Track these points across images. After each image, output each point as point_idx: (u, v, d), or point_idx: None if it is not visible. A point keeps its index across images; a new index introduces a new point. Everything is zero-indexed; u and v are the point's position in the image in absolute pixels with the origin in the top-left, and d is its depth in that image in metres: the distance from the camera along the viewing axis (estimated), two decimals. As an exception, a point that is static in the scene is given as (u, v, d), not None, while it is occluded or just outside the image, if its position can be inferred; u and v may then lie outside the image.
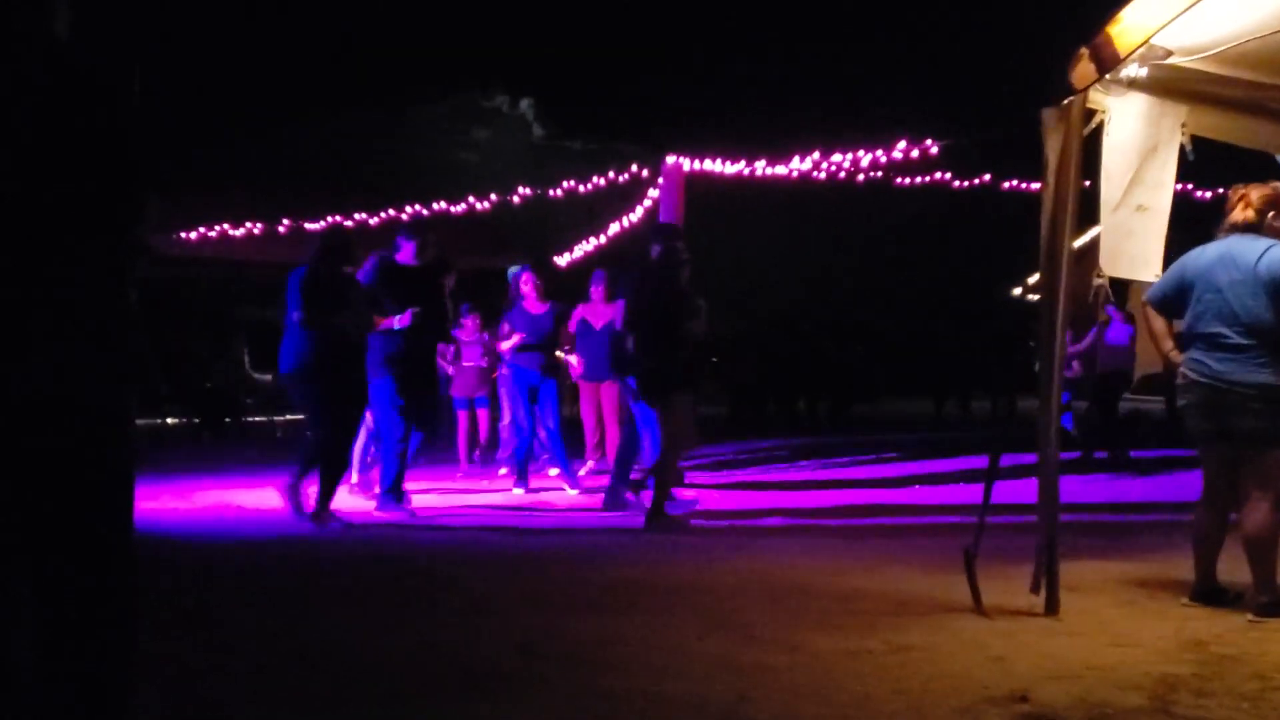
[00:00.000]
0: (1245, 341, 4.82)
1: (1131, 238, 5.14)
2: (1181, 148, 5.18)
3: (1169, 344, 5.17)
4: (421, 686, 3.83)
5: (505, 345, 9.64)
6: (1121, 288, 9.07)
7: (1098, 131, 5.00)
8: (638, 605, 5.03)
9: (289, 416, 9.47)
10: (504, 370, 10.05)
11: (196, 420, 13.39)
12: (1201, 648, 4.26)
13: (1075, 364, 11.66)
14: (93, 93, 2.57)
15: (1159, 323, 5.22)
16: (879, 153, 10.57)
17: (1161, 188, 5.16)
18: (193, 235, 12.42)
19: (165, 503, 8.50)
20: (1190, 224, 5.48)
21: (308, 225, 12.18)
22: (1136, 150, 5.10)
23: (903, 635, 4.42)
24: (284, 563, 6.36)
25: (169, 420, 17.27)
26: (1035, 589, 4.85)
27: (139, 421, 9.40)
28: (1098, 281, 7.32)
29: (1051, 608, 4.76)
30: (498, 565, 6.28)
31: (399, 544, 7.00)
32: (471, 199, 12.18)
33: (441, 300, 8.29)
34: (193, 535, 7.27)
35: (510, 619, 4.79)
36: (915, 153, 10.42)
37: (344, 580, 5.78)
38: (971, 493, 9.23)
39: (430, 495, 9.25)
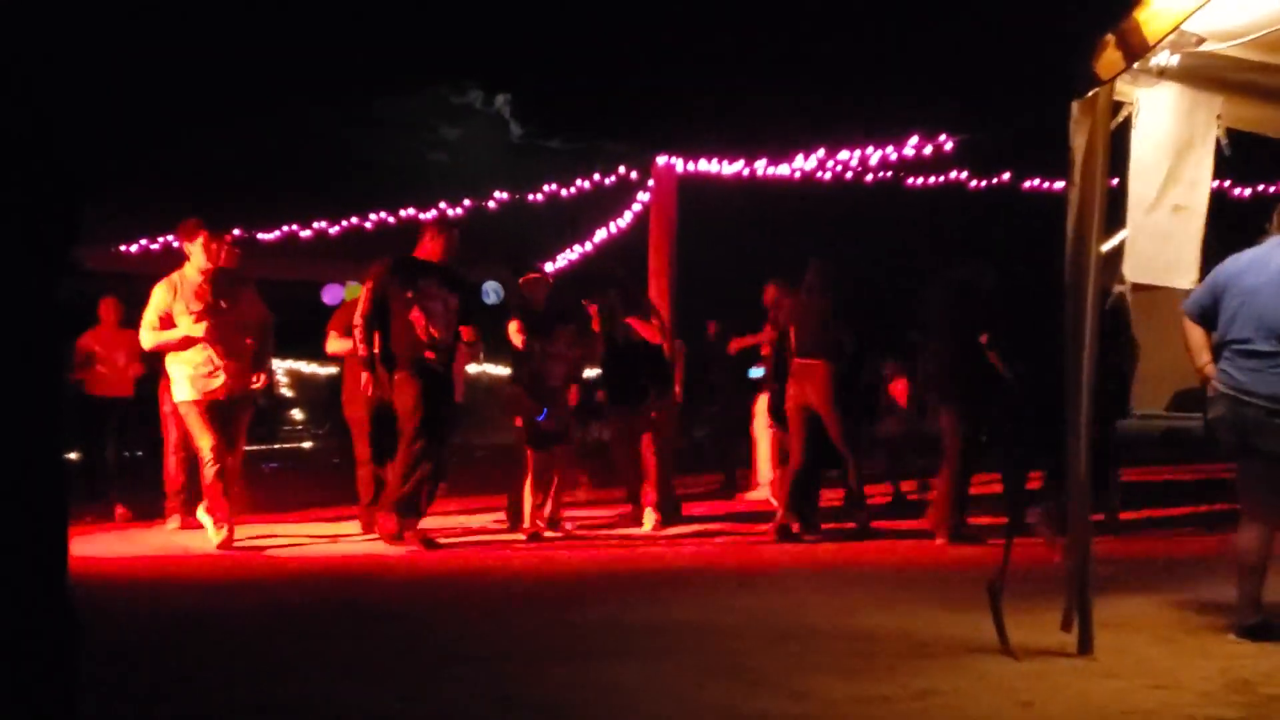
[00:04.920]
0: (1269, 349, 4.91)
1: (1169, 241, 5.18)
2: (1218, 142, 5.23)
3: (1204, 357, 5.24)
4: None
5: None
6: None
7: (1124, 126, 5.04)
8: (629, 649, 5.04)
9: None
10: None
11: (140, 453, 13.31)
12: (1249, 689, 4.29)
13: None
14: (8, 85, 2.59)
15: (1196, 334, 5.29)
16: (889, 150, 10.61)
17: (1198, 186, 5.20)
18: (133, 248, 12.39)
19: (106, 547, 8.48)
20: (1227, 225, 5.53)
21: (261, 236, 12.19)
22: (1170, 145, 5.14)
23: (923, 679, 4.43)
24: (243, 611, 6.35)
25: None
26: (1066, 626, 4.88)
27: (71, 456, 9.21)
28: (1118, 289, 7.35)
29: (1085, 646, 4.78)
30: (473, 609, 6.28)
31: (366, 587, 7.00)
32: (443, 204, 12.20)
33: None
34: (140, 583, 7.25)
35: (489, 667, 4.80)
36: (929, 149, 10.47)
37: (310, 629, 5.76)
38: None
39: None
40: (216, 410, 8.37)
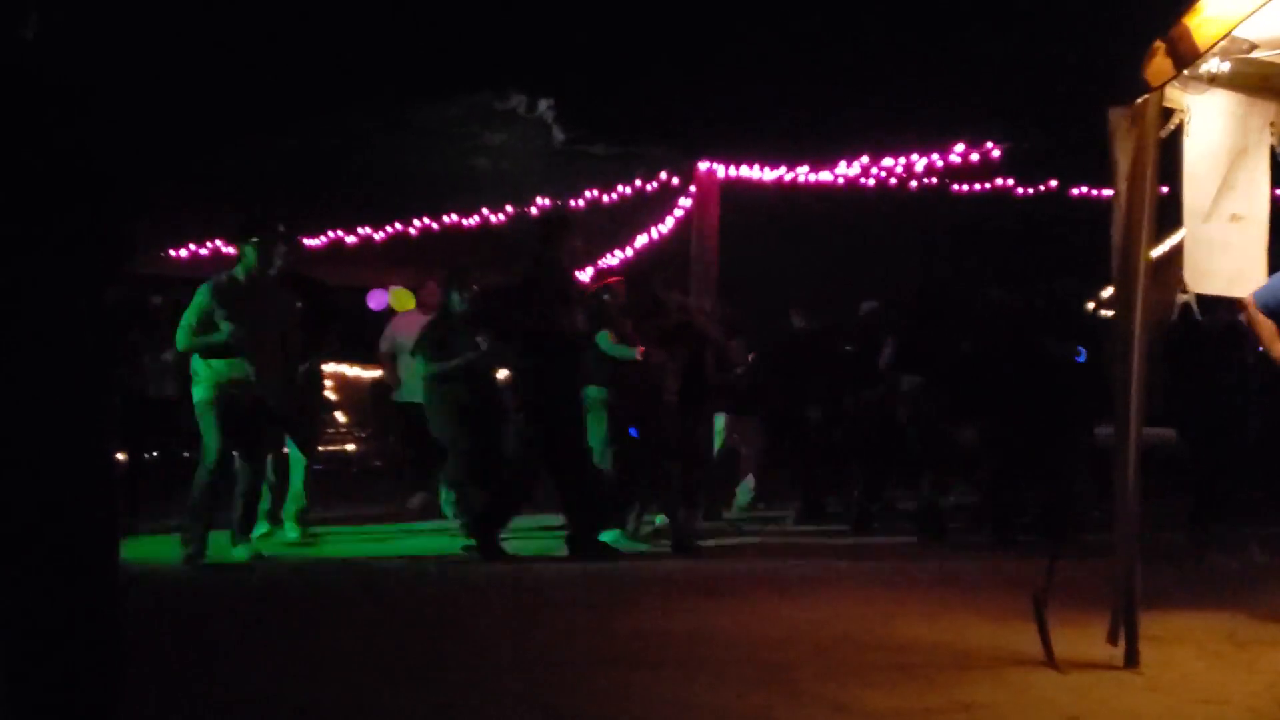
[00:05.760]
0: None
1: (1227, 251, 5.12)
2: (1272, 149, 5.17)
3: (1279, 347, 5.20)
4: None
5: None
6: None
7: (1174, 133, 4.99)
8: (669, 658, 5.03)
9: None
10: None
11: (186, 455, 13.41)
12: (1299, 705, 4.23)
13: None
14: (63, 102, 2.62)
15: (1269, 326, 5.26)
16: (934, 157, 10.57)
17: (1256, 194, 5.14)
18: (183, 253, 12.52)
19: (146, 549, 8.56)
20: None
21: (307, 241, 12.28)
22: (1223, 153, 5.08)
23: (965, 692, 4.39)
24: (281, 613, 6.39)
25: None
26: (1113, 639, 4.82)
27: (122, 456, 9.10)
28: (1183, 298, 7.34)
29: (1131, 660, 4.72)
30: (513, 612, 6.28)
31: (402, 588, 7.02)
32: (485, 211, 12.25)
33: None
34: (177, 585, 7.30)
35: (529, 674, 4.79)
36: (974, 156, 10.43)
37: (348, 633, 5.79)
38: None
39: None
40: (237, 418, 7.83)
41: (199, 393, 7.96)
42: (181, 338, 7.99)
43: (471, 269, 9.51)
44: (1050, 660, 4.75)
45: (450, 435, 9.04)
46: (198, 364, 7.99)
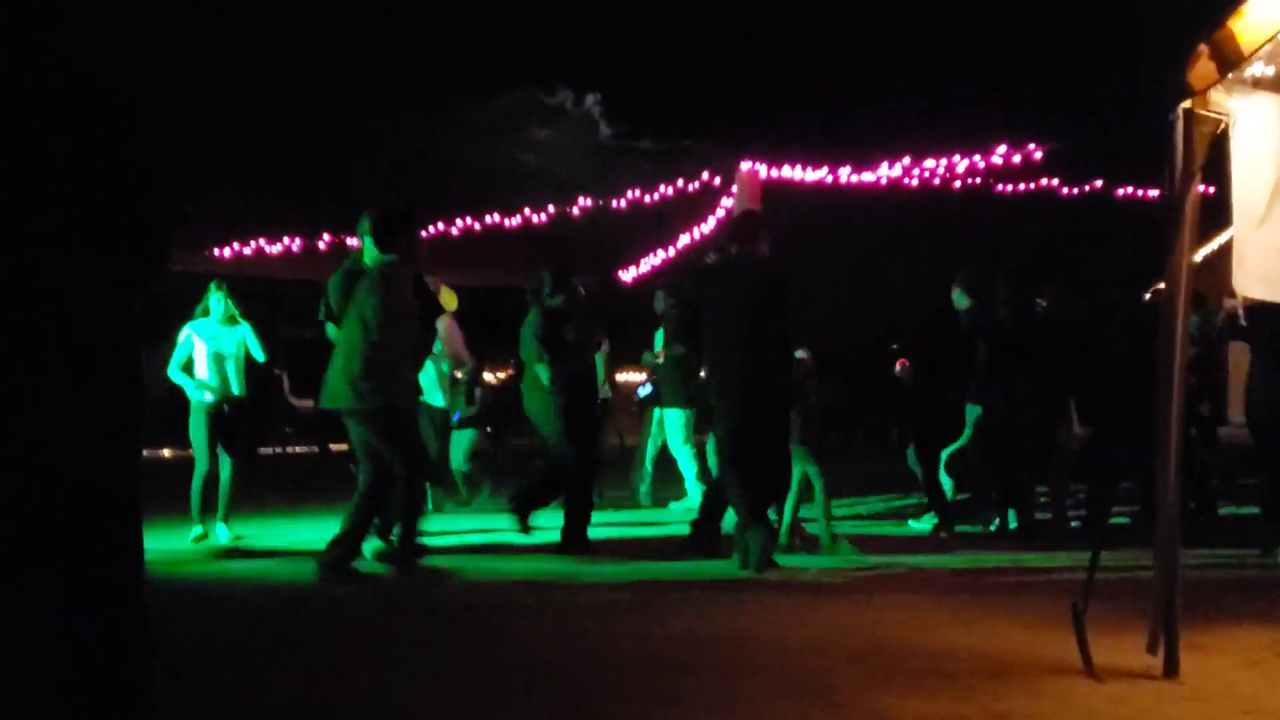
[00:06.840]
0: None
1: (1268, 255, 5.07)
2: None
3: None
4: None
5: None
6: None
7: (1219, 136, 4.93)
8: (703, 662, 5.03)
9: (340, 446, 9.26)
10: None
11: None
12: (1341, 717, 4.18)
13: None
14: (102, 106, 2.65)
15: None
16: (977, 157, 10.52)
17: None
18: (225, 252, 12.61)
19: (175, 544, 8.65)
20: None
21: (350, 240, 12.34)
22: (1271, 157, 5.02)
23: (1003, 701, 4.37)
24: (310, 613, 6.44)
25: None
26: (1152, 648, 4.79)
27: (167, 453, 9.24)
28: (1230, 303, 7.27)
29: (1171, 669, 4.69)
30: (553, 618, 6.30)
31: (446, 594, 7.04)
32: (528, 210, 12.27)
33: None
34: (209, 583, 7.36)
35: (562, 678, 4.81)
36: (1017, 157, 10.36)
37: (385, 635, 5.83)
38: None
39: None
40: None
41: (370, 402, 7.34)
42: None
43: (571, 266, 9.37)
44: (1089, 669, 4.72)
45: (565, 442, 8.86)
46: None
